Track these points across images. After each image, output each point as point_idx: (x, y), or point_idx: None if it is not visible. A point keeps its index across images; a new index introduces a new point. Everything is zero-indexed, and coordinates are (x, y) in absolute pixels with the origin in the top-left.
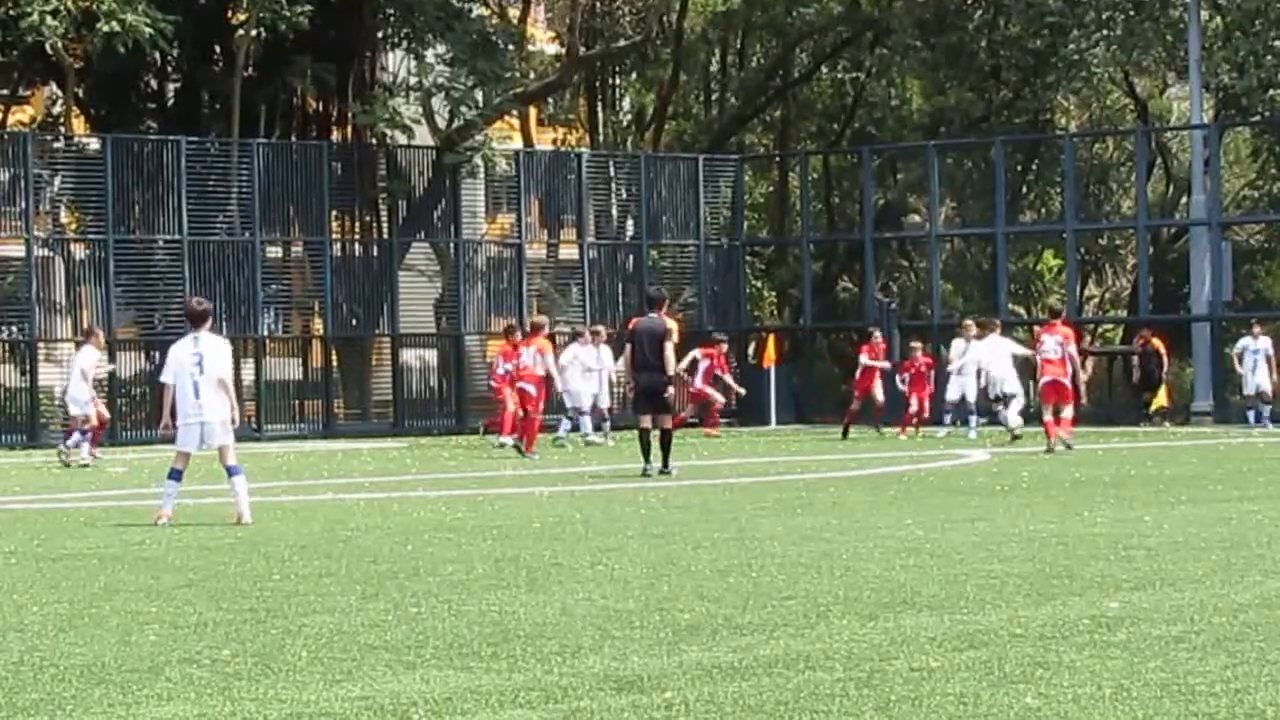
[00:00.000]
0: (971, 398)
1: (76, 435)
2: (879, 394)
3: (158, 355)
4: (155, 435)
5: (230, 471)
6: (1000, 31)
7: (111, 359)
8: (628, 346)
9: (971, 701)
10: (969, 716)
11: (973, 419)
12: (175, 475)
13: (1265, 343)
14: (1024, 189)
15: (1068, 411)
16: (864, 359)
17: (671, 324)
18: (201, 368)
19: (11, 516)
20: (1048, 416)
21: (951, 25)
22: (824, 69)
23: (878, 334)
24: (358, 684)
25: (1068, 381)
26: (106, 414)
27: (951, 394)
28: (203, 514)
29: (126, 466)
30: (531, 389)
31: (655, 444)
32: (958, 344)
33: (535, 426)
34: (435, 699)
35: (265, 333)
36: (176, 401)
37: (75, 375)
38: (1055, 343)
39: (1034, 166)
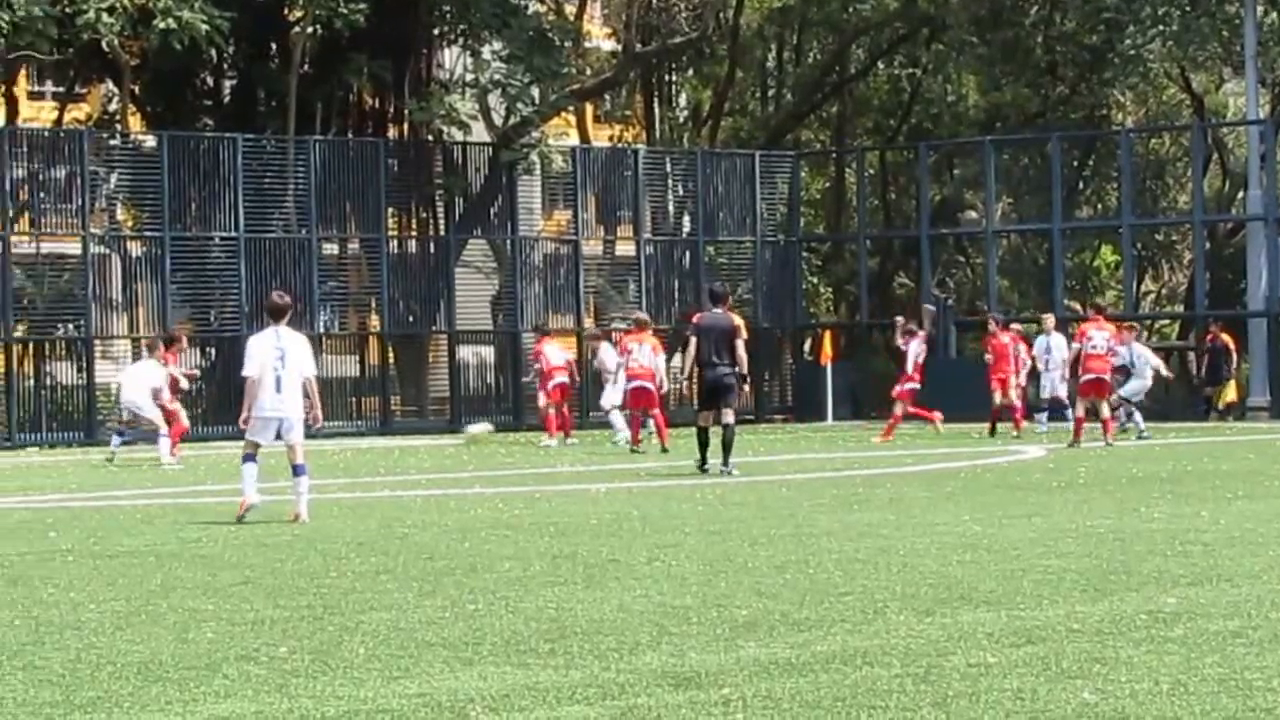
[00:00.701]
0: (1061, 393)
1: (163, 439)
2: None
3: (213, 352)
4: (212, 432)
5: (296, 470)
6: (1056, 27)
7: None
8: (692, 341)
9: (1028, 697)
10: (1026, 712)
11: (1044, 415)
12: (249, 458)
13: None
14: (1080, 184)
15: (1105, 409)
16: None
17: (739, 320)
18: (284, 362)
19: (69, 514)
20: (1079, 412)
21: (1007, 21)
22: (880, 65)
23: (993, 323)
24: (415, 681)
25: (1109, 378)
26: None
27: (1049, 390)
28: (261, 511)
29: (183, 464)
30: (651, 385)
31: (714, 441)
32: (1041, 340)
33: (664, 421)
34: (493, 695)
35: (322, 330)
36: (256, 395)
37: (144, 390)
38: (1104, 339)
39: (1090, 162)
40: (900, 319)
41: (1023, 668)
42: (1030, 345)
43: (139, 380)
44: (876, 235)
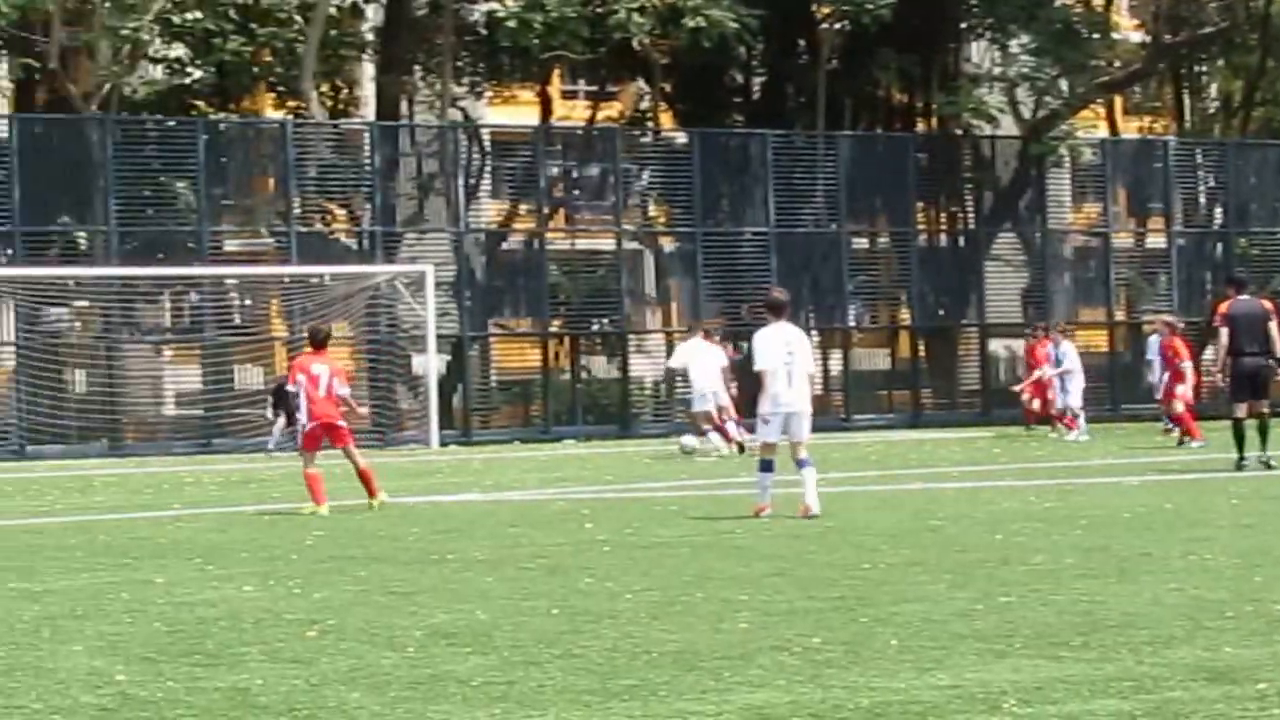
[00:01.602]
0: None
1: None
2: None
3: (745, 347)
4: (743, 424)
5: (801, 464)
6: None
7: None
8: (1222, 332)
9: None
10: None
11: None
12: (767, 467)
13: None
14: None
15: None
16: None
17: (1269, 305)
18: (793, 357)
19: (605, 505)
20: None
21: None
22: None
23: None
24: (948, 673)
25: None
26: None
27: None
28: (780, 504)
29: (716, 456)
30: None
31: (1250, 432)
32: None
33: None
34: (1025, 688)
35: (852, 323)
36: (768, 391)
37: (717, 374)
38: None
39: None
40: None
41: None
42: None
43: (709, 364)
44: None
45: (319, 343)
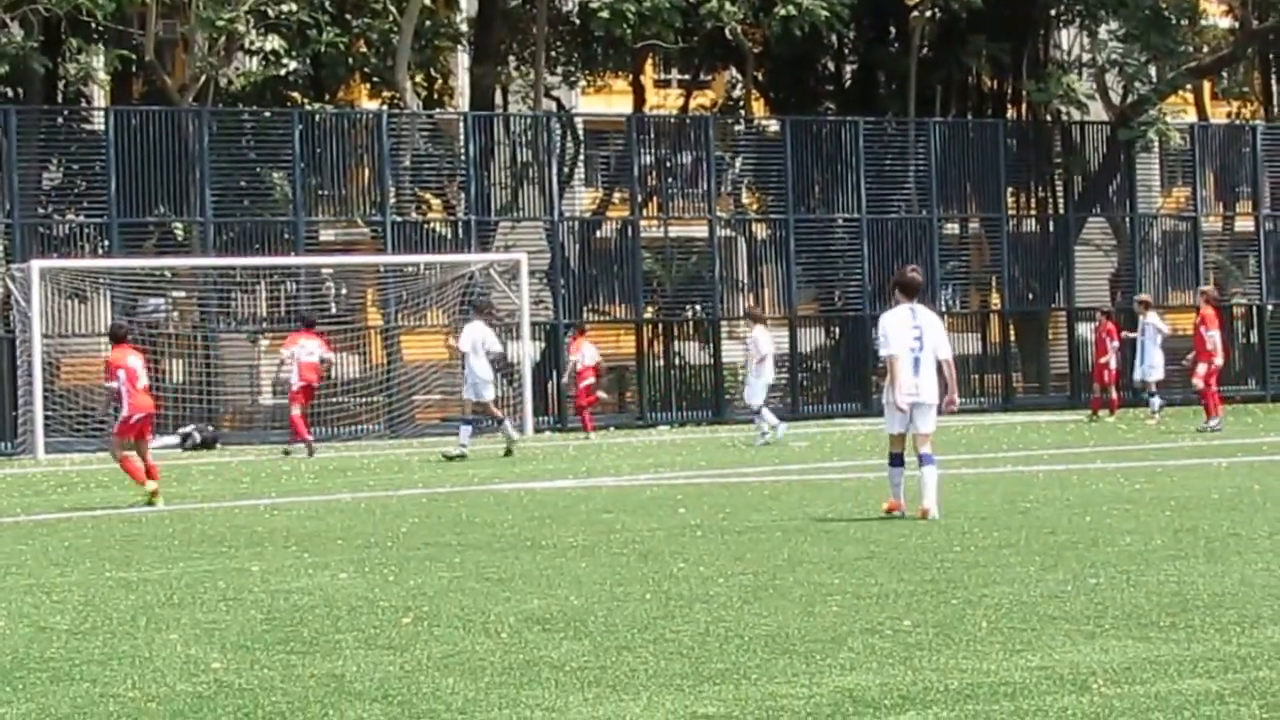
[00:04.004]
0: None
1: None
2: None
3: (837, 331)
4: (836, 409)
5: (924, 460)
6: None
7: (792, 335)
8: None
9: None
10: None
11: None
12: (896, 461)
13: None
14: None
15: None
16: None
17: None
18: (921, 343)
19: (698, 490)
20: None
21: None
22: None
23: None
24: (1037, 654)
25: None
26: None
27: None
28: (880, 494)
29: (809, 441)
30: None
31: None
32: None
33: None
34: (1114, 668)
35: (944, 308)
36: (895, 379)
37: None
38: None
39: None
40: None
41: None
42: None
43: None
44: None
45: (120, 338)
